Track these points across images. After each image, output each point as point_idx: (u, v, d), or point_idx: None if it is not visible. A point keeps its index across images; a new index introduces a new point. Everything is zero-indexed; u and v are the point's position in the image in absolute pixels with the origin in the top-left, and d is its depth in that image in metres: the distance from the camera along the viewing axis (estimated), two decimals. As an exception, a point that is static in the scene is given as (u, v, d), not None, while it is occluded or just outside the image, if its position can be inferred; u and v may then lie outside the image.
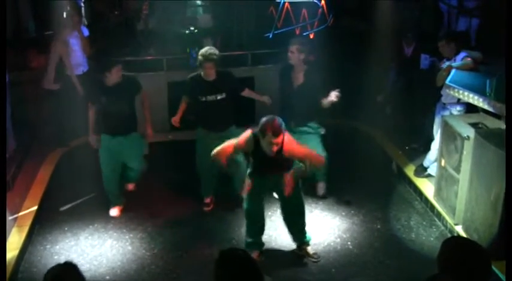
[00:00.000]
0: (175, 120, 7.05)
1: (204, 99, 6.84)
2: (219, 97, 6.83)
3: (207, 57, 6.65)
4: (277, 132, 5.40)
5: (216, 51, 6.74)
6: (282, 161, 5.77)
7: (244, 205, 6.16)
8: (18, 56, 9.96)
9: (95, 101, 6.86)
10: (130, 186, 7.57)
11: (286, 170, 5.89)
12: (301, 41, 7.11)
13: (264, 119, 5.48)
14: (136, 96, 7.02)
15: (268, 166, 5.82)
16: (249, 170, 6.05)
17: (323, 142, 7.19)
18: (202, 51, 6.72)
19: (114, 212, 7.19)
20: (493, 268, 5.19)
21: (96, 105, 6.87)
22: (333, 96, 6.69)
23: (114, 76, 6.67)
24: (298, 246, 6.37)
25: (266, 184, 6.10)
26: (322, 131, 7.20)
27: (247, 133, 5.73)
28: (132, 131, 6.99)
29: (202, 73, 6.81)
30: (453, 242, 3.18)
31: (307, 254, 6.28)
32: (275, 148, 5.49)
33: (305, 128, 7.09)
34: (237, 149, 5.83)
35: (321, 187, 7.54)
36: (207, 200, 7.34)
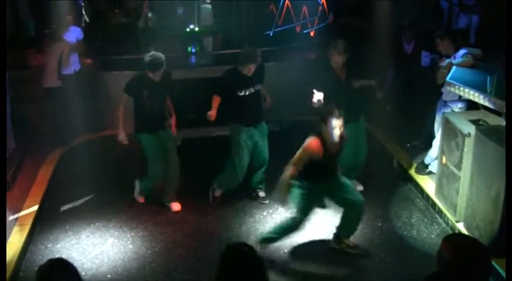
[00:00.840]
0: (213, 114, 6.96)
1: (242, 93, 6.92)
2: (256, 89, 7.01)
3: (250, 60, 6.78)
4: (337, 113, 5.61)
5: (258, 52, 6.87)
6: (337, 158, 6.00)
7: (298, 215, 6.01)
8: (18, 55, 9.97)
9: (133, 93, 6.85)
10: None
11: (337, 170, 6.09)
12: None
13: (318, 107, 5.77)
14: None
15: (329, 166, 5.96)
16: (299, 183, 5.92)
17: None
18: (246, 52, 6.85)
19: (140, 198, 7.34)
20: (494, 264, 5.22)
21: (136, 101, 6.86)
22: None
23: (158, 75, 6.76)
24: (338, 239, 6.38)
25: (322, 190, 6.12)
26: None
27: (312, 138, 5.78)
28: (167, 126, 7.06)
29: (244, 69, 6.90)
30: (453, 239, 3.17)
31: (347, 246, 6.31)
32: (340, 130, 5.65)
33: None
34: (308, 155, 5.80)
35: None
36: (260, 194, 7.50)
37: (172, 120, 7.09)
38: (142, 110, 6.84)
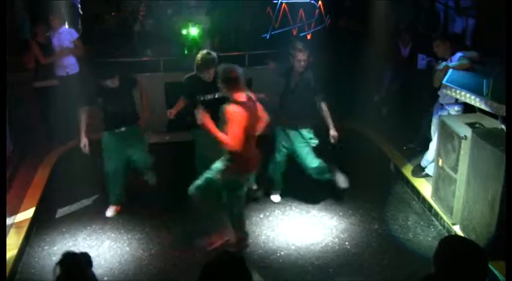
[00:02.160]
0: (172, 112, 7.01)
1: (202, 99, 6.84)
2: (216, 96, 6.83)
3: (207, 64, 6.68)
4: None
5: (215, 55, 6.76)
6: None
7: None
8: (14, 57, 9.96)
9: (92, 102, 6.89)
10: None
11: None
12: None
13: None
14: (133, 90, 7.13)
15: None
16: None
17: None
18: (201, 56, 6.70)
19: (110, 212, 7.20)
20: (491, 267, 5.23)
21: (93, 107, 6.90)
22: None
23: (115, 81, 6.77)
24: None
25: None
26: (314, 143, 7.17)
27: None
28: (132, 124, 7.08)
29: (201, 75, 6.79)
30: (449, 241, 3.18)
31: None
32: None
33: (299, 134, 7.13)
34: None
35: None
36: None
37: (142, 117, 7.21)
38: (104, 112, 7.00)
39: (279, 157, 7.31)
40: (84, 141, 6.95)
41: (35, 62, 8.85)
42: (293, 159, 7.29)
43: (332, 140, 7.13)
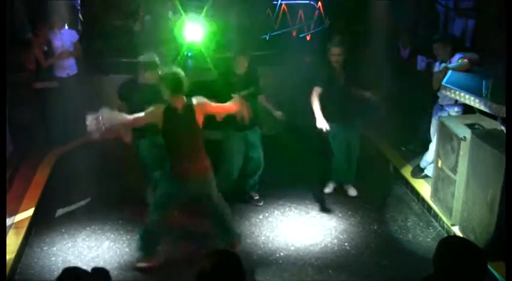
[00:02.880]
0: None
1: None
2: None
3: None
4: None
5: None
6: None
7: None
8: (14, 58, 9.96)
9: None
10: None
11: None
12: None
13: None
14: None
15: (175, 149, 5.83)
16: None
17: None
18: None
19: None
20: (490, 268, 5.24)
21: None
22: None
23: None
24: None
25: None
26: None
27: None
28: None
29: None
30: (449, 242, 3.18)
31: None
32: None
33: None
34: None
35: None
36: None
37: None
38: None
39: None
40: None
41: (35, 62, 8.84)
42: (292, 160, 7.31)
43: None
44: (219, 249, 3.52)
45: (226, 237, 6.13)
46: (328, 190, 7.72)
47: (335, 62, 7.14)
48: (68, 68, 9.05)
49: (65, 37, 9.00)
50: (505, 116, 5.73)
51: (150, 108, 5.49)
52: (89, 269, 6.05)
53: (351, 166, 7.59)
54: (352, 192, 7.63)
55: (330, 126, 6.95)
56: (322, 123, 6.93)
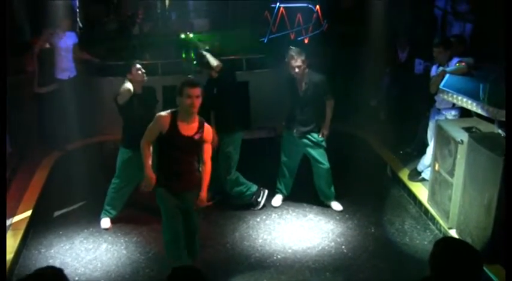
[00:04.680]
0: None
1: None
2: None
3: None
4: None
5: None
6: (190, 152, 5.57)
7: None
8: (13, 60, 9.97)
9: None
10: None
11: None
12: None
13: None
14: None
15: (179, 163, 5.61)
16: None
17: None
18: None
19: None
20: (487, 271, 5.26)
21: None
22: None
23: None
24: None
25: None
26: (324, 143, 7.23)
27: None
28: None
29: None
30: (444, 243, 3.19)
31: None
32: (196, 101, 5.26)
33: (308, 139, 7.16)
34: (157, 125, 5.42)
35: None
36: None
37: None
38: None
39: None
40: None
41: (38, 63, 8.76)
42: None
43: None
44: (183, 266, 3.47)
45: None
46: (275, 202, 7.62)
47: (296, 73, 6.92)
48: (69, 70, 9.06)
49: (68, 39, 9.02)
50: (502, 119, 5.74)
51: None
52: (87, 271, 6.11)
53: (320, 185, 7.43)
54: (337, 207, 7.44)
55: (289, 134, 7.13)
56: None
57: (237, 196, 7.38)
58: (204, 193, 5.54)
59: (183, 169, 5.49)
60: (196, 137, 5.37)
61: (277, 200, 7.56)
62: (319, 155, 7.17)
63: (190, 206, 5.58)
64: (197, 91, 5.21)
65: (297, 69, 6.81)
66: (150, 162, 5.47)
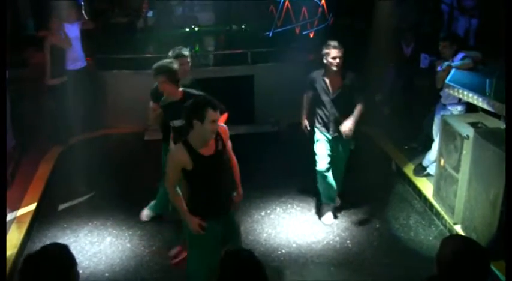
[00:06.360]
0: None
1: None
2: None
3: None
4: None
5: None
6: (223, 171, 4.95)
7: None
8: (17, 54, 9.97)
9: None
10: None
11: None
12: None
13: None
14: None
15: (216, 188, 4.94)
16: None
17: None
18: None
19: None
20: (492, 267, 5.23)
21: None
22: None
23: None
24: None
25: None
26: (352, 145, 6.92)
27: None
28: None
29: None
30: (452, 241, 3.17)
31: None
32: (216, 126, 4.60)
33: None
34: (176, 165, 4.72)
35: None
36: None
37: None
38: None
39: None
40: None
41: (50, 54, 8.70)
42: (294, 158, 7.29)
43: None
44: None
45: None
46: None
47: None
48: (80, 60, 9.07)
49: (77, 29, 9.03)
50: (505, 114, 5.72)
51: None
52: (91, 264, 6.12)
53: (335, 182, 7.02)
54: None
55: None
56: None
57: None
58: (240, 188, 5.16)
59: (227, 185, 4.97)
60: (220, 147, 4.75)
61: (329, 217, 7.02)
62: (340, 159, 6.94)
63: (237, 226, 5.31)
64: (218, 113, 4.59)
65: (338, 60, 6.43)
66: (185, 206, 4.79)
